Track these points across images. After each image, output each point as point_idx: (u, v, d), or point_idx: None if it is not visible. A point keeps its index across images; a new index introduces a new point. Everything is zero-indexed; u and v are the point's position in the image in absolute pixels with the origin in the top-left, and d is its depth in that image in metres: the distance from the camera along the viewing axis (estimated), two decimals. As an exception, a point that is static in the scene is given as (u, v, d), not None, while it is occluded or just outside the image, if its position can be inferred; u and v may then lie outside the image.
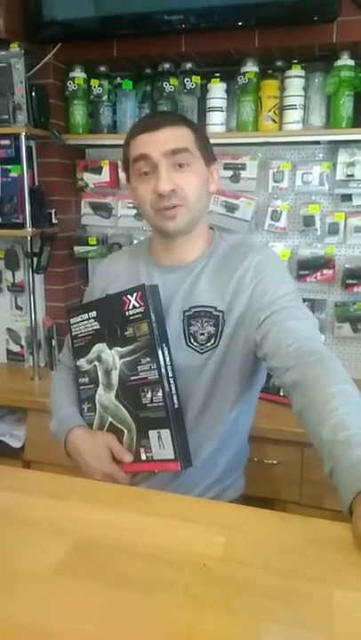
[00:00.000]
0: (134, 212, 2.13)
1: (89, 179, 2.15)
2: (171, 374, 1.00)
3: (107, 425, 1.08)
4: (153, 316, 0.99)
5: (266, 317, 0.99)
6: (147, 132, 1.03)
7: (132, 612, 0.60)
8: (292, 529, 0.75)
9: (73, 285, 2.25)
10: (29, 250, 2.00)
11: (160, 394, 0.98)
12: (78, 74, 2.00)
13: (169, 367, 1.00)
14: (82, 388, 1.12)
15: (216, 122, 1.92)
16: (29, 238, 1.98)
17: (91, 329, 1.09)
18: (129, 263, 1.19)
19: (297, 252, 2.00)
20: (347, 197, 1.92)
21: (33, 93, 1.90)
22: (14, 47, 1.84)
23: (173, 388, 1.00)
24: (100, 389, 1.08)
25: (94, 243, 2.16)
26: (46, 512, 0.81)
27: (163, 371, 0.98)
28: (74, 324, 1.12)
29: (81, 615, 0.60)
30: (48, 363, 2.17)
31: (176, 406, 1.00)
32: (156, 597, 0.62)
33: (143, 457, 1.01)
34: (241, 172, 1.98)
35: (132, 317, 1.01)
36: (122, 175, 2.11)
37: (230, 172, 1.99)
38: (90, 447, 1.06)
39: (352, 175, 1.86)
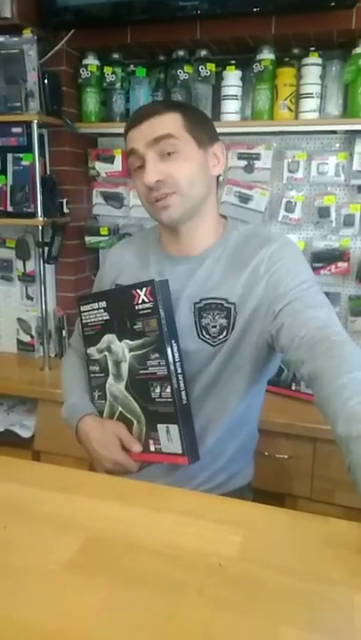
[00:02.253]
0: (146, 202, 2.10)
1: (101, 168, 2.13)
2: (180, 370, 1.00)
3: (117, 414, 1.08)
4: (162, 313, 0.98)
5: (281, 309, 0.97)
6: (133, 126, 1.01)
7: (145, 613, 0.59)
8: (310, 529, 0.74)
9: (84, 276, 2.23)
10: (40, 239, 1.98)
11: (169, 390, 0.99)
12: (91, 61, 1.97)
13: (178, 364, 1.00)
14: (92, 375, 1.12)
15: (231, 110, 1.89)
16: (40, 228, 1.96)
17: (101, 319, 1.08)
18: (138, 252, 1.17)
19: (311, 243, 1.96)
20: (363, 189, 1.88)
21: (45, 80, 1.87)
22: (27, 33, 1.81)
23: (182, 384, 1.00)
24: (111, 379, 1.08)
25: (105, 233, 2.14)
26: (57, 506, 0.80)
27: (172, 368, 0.98)
28: (84, 311, 1.12)
29: (91, 615, 0.59)
30: (58, 353, 2.16)
31: (184, 402, 1.00)
32: (170, 598, 0.61)
33: (152, 448, 1.03)
34: (255, 161, 1.94)
35: (141, 312, 1.00)
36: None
37: (244, 162, 1.95)
38: (100, 436, 1.06)
39: (369, 166, 1.82)
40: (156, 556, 0.68)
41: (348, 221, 1.89)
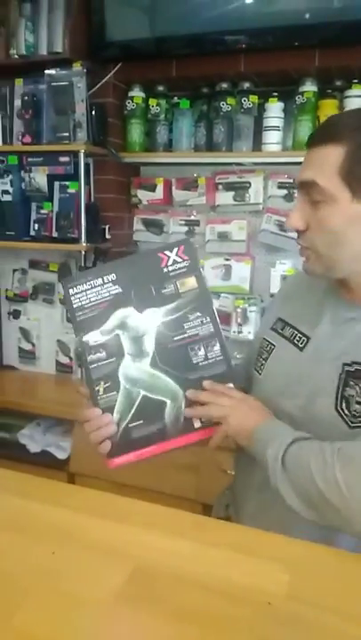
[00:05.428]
0: (185, 229, 2.14)
1: (143, 196, 2.18)
2: (222, 332, 0.94)
3: (138, 400, 0.92)
4: (200, 270, 0.91)
5: None
6: (306, 146, 0.85)
7: (196, 649, 0.59)
8: (358, 569, 0.72)
9: (123, 300, 2.26)
10: (83, 264, 2.03)
11: (217, 347, 0.91)
12: (137, 93, 2.03)
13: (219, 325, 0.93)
14: (93, 366, 0.93)
15: (272, 141, 1.91)
16: (83, 253, 2.01)
17: (107, 295, 0.93)
18: (309, 286, 0.98)
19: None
20: None
21: (93, 112, 1.94)
22: (77, 66, 1.89)
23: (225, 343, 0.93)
24: (127, 360, 0.93)
25: (145, 259, 2.17)
26: (103, 534, 0.80)
27: (218, 324, 0.92)
28: (76, 294, 0.94)
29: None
30: (96, 376, 2.19)
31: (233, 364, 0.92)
32: (220, 635, 0.61)
33: (197, 424, 0.91)
34: (295, 190, 1.95)
35: (172, 273, 0.92)
36: (175, 193, 2.13)
37: (284, 192, 1.97)
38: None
39: None
40: (205, 590, 0.68)
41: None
